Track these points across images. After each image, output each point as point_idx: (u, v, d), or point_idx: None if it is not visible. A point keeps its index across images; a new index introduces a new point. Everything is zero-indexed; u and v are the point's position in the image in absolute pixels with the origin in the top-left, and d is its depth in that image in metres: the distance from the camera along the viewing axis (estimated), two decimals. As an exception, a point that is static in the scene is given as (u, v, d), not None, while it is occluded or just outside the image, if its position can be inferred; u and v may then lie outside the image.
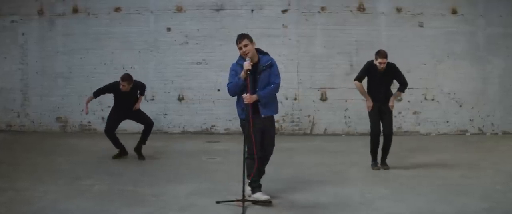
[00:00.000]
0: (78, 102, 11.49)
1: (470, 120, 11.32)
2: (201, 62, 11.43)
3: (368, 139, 7.77)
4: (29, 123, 11.80)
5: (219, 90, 11.19)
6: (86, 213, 5.55)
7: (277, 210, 5.68)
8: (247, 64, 5.67)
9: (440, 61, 11.24)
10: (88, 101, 8.62)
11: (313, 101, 11.35)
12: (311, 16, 11.30)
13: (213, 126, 11.51)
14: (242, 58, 5.79)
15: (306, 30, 11.29)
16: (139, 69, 11.26)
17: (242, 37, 5.82)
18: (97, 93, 8.46)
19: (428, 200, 5.97)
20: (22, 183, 6.78)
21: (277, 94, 6.06)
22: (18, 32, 11.71)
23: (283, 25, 11.32)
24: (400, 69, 7.71)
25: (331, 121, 11.36)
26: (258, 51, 5.94)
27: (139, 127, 8.68)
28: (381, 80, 7.55)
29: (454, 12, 11.19)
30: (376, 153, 7.74)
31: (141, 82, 8.61)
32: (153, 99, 11.44)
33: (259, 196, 5.83)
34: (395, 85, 7.70)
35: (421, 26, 11.20)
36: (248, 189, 5.90)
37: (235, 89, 5.84)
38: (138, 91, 8.55)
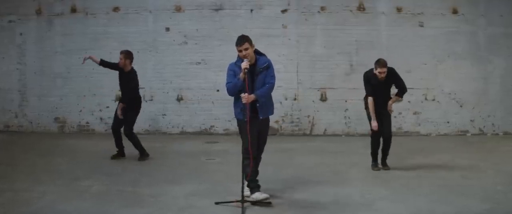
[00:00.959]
0: (77, 102, 11.47)
1: (471, 120, 11.29)
2: (200, 63, 11.38)
3: (368, 139, 7.78)
4: (27, 123, 11.75)
5: (218, 90, 11.14)
6: (84, 214, 5.53)
7: (277, 210, 5.67)
8: (245, 64, 5.77)
9: (441, 61, 11.20)
10: (93, 58, 8.57)
11: (313, 101, 11.30)
12: (311, 16, 11.25)
13: (212, 126, 11.46)
14: (241, 59, 5.88)
15: (306, 30, 11.25)
16: (138, 69, 10.93)
17: (242, 40, 5.86)
18: (103, 62, 8.54)
19: (428, 200, 5.97)
20: (20, 183, 6.76)
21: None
22: (16, 32, 11.66)
23: (282, 25, 11.27)
24: (400, 70, 7.68)
25: (331, 121, 11.31)
26: (256, 52, 6.04)
27: (140, 127, 8.61)
28: (380, 86, 7.55)
29: (454, 11, 11.15)
30: (377, 154, 7.75)
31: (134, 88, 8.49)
32: (152, 100, 11.40)
33: (258, 195, 5.84)
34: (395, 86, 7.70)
35: (422, 26, 11.16)
36: (246, 189, 5.89)
37: (234, 89, 5.94)
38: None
